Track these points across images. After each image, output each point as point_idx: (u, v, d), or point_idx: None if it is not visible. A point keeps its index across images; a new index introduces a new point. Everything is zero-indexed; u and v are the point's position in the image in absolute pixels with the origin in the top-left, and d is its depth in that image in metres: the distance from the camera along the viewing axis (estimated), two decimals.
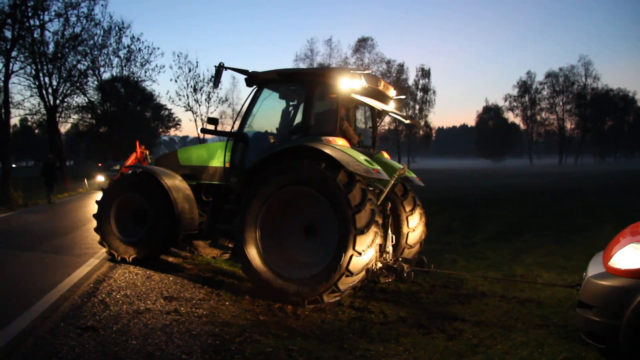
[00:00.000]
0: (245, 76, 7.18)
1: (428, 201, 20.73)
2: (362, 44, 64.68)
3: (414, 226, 7.49)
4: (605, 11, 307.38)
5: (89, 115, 38.40)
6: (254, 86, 7.19)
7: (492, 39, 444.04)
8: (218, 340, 4.50)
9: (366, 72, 6.70)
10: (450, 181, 39.27)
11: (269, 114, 7.83)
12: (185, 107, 47.83)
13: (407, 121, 7.84)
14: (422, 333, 5.20)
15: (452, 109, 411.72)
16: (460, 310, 6.04)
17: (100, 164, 33.89)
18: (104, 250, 8.00)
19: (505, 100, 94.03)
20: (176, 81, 47.64)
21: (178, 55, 56.51)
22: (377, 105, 6.98)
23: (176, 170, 8.00)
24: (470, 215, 15.72)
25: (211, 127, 7.26)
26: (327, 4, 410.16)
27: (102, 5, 37.93)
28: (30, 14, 24.66)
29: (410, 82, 72.32)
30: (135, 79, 39.26)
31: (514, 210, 16.35)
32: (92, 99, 36.51)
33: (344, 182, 5.79)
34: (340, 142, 6.44)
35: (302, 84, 6.97)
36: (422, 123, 73.31)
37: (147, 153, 10.00)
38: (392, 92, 7.50)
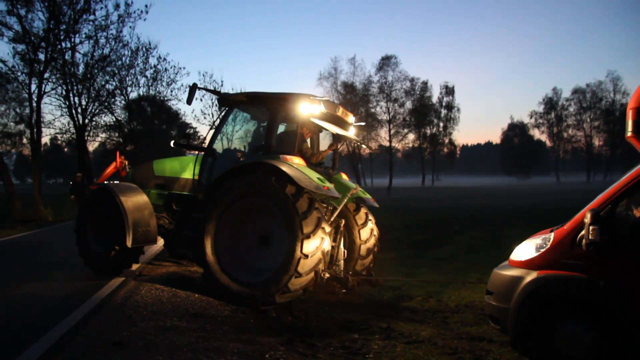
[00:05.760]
0: (217, 97, 7.71)
1: (453, 220, 20.55)
2: (386, 62, 64.95)
3: (365, 256, 7.95)
4: (634, 25, 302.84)
5: (116, 134, 39.07)
6: (225, 106, 7.69)
7: (517, 55, 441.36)
8: (243, 358, 4.50)
9: (325, 98, 7.11)
10: (474, 199, 38.81)
11: (240, 132, 8.65)
12: (210, 125, 48.17)
13: (363, 145, 8.38)
14: (449, 353, 5.13)
15: (477, 126, 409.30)
16: (486, 330, 5.95)
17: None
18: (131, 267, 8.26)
19: (531, 117, 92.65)
20: (201, 100, 48.18)
21: (203, 75, 56.97)
22: (333, 129, 7.39)
23: (151, 180, 8.59)
24: (495, 234, 15.50)
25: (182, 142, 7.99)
26: (351, 23, 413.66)
27: (130, 27, 38.68)
28: (62, 37, 25.47)
29: (434, 99, 72.30)
30: (162, 98, 39.75)
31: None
32: (119, 118, 37.12)
33: (291, 192, 6.26)
34: (297, 160, 6.85)
35: (266, 107, 7.41)
36: (447, 140, 73.00)
37: (126, 163, 10.45)
38: (351, 119, 7.97)
